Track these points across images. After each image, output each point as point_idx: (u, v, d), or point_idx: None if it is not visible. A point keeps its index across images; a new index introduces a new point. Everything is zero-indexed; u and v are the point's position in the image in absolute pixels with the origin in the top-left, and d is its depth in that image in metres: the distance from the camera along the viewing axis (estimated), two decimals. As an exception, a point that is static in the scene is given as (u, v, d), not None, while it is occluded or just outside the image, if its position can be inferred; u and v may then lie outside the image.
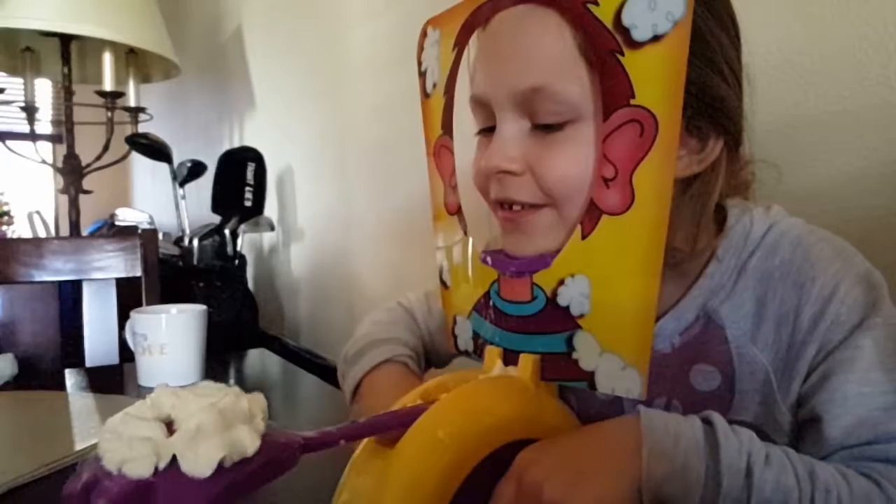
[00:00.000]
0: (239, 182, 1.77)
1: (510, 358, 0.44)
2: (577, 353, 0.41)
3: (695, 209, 0.46)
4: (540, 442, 0.40)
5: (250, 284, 1.94)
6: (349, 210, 1.59)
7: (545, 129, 0.42)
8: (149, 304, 1.11)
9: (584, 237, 0.40)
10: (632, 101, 0.37)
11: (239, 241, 1.80)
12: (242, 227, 1.77)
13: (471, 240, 0.49)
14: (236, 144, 2.19)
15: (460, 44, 0.48)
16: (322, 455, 0.33)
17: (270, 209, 1.90)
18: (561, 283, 0.41)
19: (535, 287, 0.43)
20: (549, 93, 0.41)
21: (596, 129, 0.41)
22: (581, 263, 0.41)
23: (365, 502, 0.36)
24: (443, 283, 0.52)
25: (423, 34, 0.51)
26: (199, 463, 0.26)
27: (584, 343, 0.41)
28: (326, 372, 1.50)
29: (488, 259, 0.46)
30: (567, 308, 0.41)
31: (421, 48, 0.51)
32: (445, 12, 0.49)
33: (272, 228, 1.87)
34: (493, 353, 0.45)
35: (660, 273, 0.37)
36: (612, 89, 0.38)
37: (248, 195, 1.77)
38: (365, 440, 0.38)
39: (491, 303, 0.46)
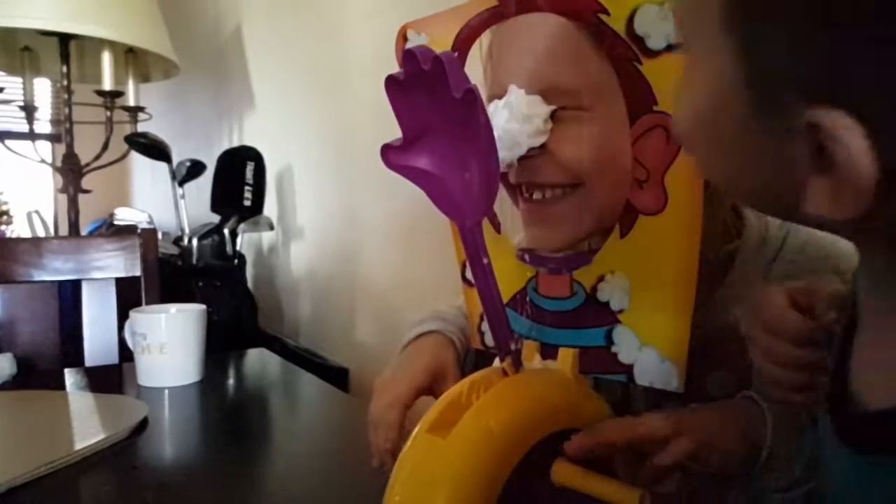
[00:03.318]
0: (238, 181, 1.77)
1: (547, 352, 0.45)
2: (617, 347, 0.43)
3: (713, 202, 0.46)
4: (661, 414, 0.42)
5: (250, 284, 1.94)
6: (349, 209, 1.58)
7: (561, 111, 0.44)
8: (148, 303, 1.11)
9: (622, 236, 0.42)
10: (655, 108, 0.39)
11: (238, 240, 1.80)
12: (242, 226, 1.77)
13: (504, 238, 0.50)
14: (236, 144, 2.19)
15: (462, 48, 0.48)
16: (326, 457, 0.33)
17: (270, 209, 1.90)
18: (601, 279, 0.43)
19: (574, 283, 0.44)
20: (563, 78, 0.43)
21: (615, 119, 0.42)
22: (620, 261, 0.42)
23: (418, 493, 0.37)
24: (466, 281, 0.53)
25: (403, 38, 0.51)
26: None
27: (624, 337, 0.42)
28: (326, 371, 1.50)
29: (526, 257, 0.47)
30: (607, 303, 0.43)
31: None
32: (428, 18, 0.50)
33: (272, 228, 1.87)
34: (531, 348, 0.46)
35: (696, 269, 0.39)
36: (635, 95, 0.40)
37: (248, 194, 1.77)
38: (415, 431, 0.39)
39: (528, 299, 0.47)
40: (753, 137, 0.27)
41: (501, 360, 0.42)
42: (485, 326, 0.53)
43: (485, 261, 0.38)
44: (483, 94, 0.49)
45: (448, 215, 0.39)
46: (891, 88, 0.22)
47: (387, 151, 0.38)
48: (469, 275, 0.53)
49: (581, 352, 0.44)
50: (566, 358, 0.43)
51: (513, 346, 0.41)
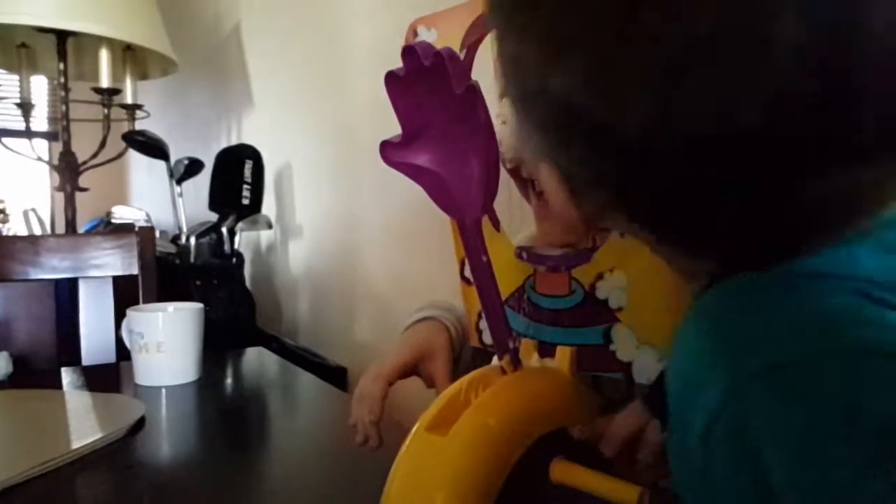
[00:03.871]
0: (236, 180, 1.76)
1: (544, 350, 0.45)
2: (615, 346, 0.43)
3: None
4: None
5: (248, 283, 1.94)
6: (348, 208, 1.58)
7: None
8: (146, 301, 1.11)
9: (622, 234, 0.42)
10: None
11: (236, 239, 1.79)
12: (240, 224, 1.77)
13: (503, 236, 0.50)
14: (234, 142, 2.19)
15: (470, 44, 0.48)
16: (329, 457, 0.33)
17: (268, 207, 1.89)
18: (599, 277, 0.43)
19: (572, 281, 0.44)
20: None
21: None
22: (619, 259, 0.42)
23: (416, 491, 0.36)
24: (465, 279, 0.53)
25: (413, 34, 0.52)
26: None
27: (622, 336, 0.43)
28: (325, 371, 1.50)
29: (524, 255, 0.47)
30: (605, 301, 0.43)
31: None
32: (437, 14, 0.50)
33: (270, 226, 1.86)
34: (528, 346, 0.46)
35: None
36: None
37: (246, 193, 1.77)
38: (414, 429, 0.39)
39: (526, 297, 0.47)
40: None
41: (500, 359, 0.42)
42: (483, 324, 0.53)
43: (484, 259, 0.38)
44: (491, 89, 0.49)
45: (447, 213, 0.39)
46: (568, 153, 0.27)
47: (386, 148, 0.37)
48: (468, 273, 0.53)
49: (579, 350, 0.43)
50: (564, 356, 0.43)
51: (511, 345, 0.41)
